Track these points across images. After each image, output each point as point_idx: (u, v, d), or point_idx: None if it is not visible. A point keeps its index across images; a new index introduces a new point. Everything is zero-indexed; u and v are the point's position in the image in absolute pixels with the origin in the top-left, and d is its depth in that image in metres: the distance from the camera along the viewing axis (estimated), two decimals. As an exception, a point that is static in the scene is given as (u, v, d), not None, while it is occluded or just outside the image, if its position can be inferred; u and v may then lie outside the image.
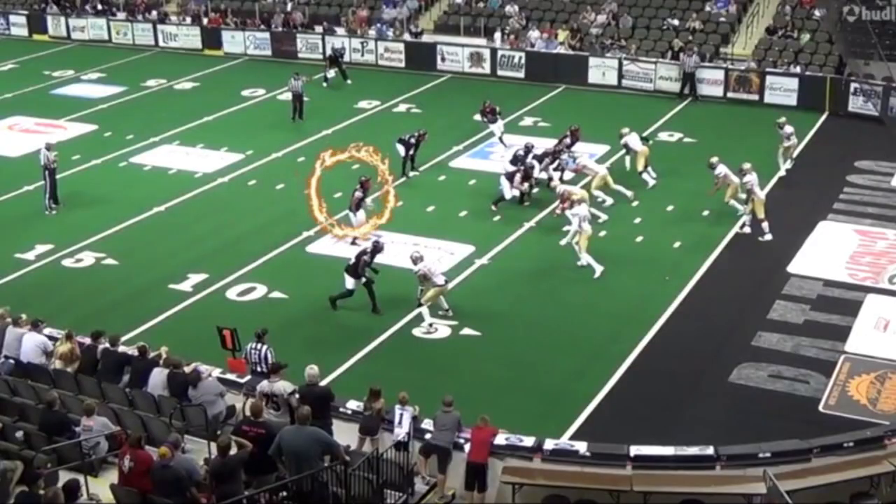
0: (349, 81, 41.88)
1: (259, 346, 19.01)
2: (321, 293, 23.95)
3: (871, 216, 27.96)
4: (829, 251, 25.95)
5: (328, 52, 43.54)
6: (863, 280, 24.42)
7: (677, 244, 25.94)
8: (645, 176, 30.01)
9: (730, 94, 38.61)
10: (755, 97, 38.00)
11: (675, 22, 43.01)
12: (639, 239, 26.30)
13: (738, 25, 43.22)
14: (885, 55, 35.76)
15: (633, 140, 30.76)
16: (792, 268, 24.94)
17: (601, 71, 40.68)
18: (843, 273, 24.74)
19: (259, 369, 18.64)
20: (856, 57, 38.18)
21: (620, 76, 40.22)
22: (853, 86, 36.21)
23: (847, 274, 24.71)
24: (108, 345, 18.72)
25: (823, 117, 36.43)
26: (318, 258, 26.01)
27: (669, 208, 28.01)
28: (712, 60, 40.58)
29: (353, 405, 17.43)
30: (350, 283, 23.06)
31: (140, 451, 14.40)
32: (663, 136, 34.88)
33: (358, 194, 26.89)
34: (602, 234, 26.75)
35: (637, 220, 27.53)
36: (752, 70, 38.81)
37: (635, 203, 28.27)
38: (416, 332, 22.34)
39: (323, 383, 17.82)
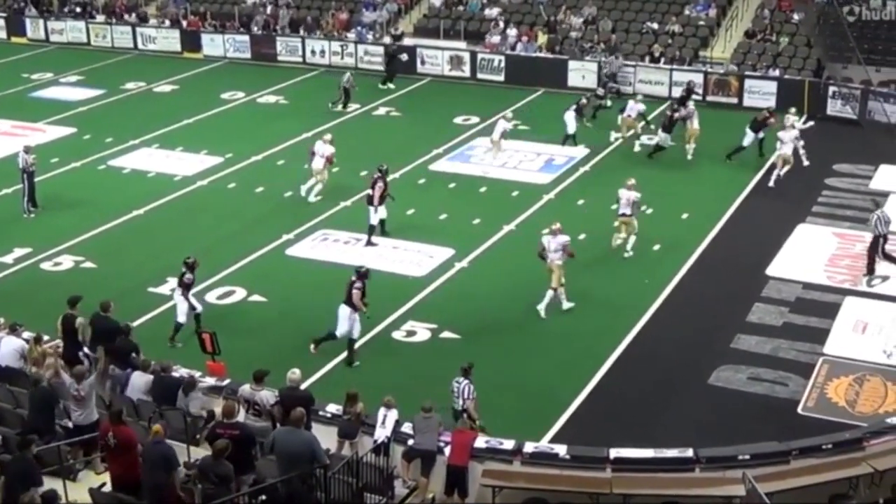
0: (391, 85, 41.57)
1: (460, 379, 18.04)
2: (301, 296, 23.98)
3: (850, 219, 28.07)
4: (807, 254, 26.06)
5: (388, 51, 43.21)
6: (841, 283, 24.53)
7: (656, 246, 26.01)
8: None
9: (709, 98, 38.70)
10: (734, 100, 38.15)
11: (655, 25, 43.11)
12: (617, 242, 26.33)
13: (718, 29, 43.34)
14: (863, 58, 35.93)
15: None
16: (771, 270, 25.04)
17: (581, 74, 40.73)
18: (821, 276, 24.84)
19: (458, 406, 17.86)
20: (834, 60, 38.37)
21: (600, 78, 40.30)
22: (831, 89, 36.38)
23: (826, 276, 24.82)
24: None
25: (802, 120, 36.55)
26: (298, 261, 25.97)
27: (649, 211, 28.04)
28: (691, 64, 40.72)
29: (333, 409, 17.43)
30: (343, 319, 21.24)
31: (122, 426, 14.58)
32: (642, 138, 34.93)
33: (380, 185, 26.68)
34: (582, 236, 26.79)
35: (617, 223, 27.53)
36: (732, 73, 38.96)
37: (614, 206, 28.29)
38: (396, 335, 22.33)
39: (303, 387, 17.79)
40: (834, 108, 36.56)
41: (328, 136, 30.41)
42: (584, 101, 35.17)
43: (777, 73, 38.58)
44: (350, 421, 17.18)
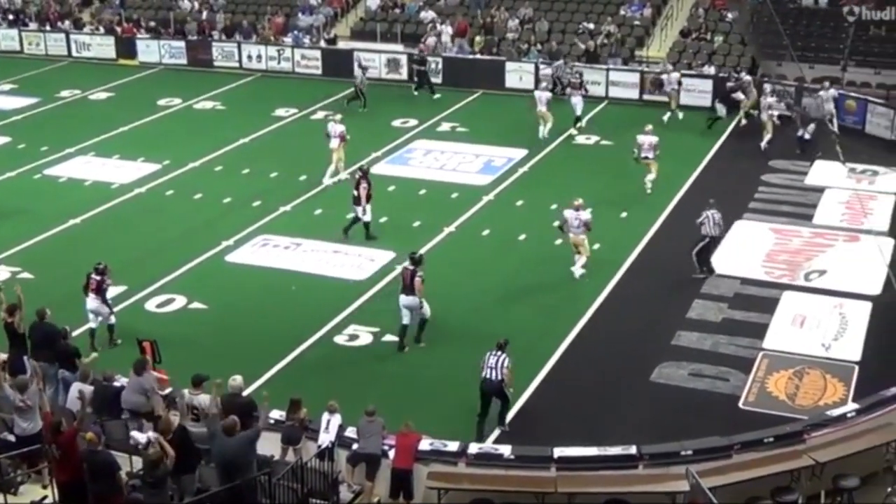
0: (436, 96, 40.61)
1: (498, 353, 18.84)
2: (241, 303, 23.85)
3: (787, 214, 28.39)
4: (745, 250, 26.30)
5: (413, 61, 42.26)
6: (779, 278, 24.77)
7: (596, 245, 26.08)
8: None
9: (645, 97, 39.01)
10: (665, 98, 38.29)
11: (591, 26, 43.33)
12: (558, 242, 26.40)
13: (653, 28, 43.70)
14: (796, 56, 36.33)
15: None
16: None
17: (518, 75, 40.86)
18: (759, 271, 25.08)
19: (492, 375, 18.62)
20: (768, 58, 38.79)
21: (537, 80, 40.42)
22: (766, 86, 36.68)
23: (764, 272, 25.05)
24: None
25: (736, 118, 36.92)
26: (238, 267, 25.79)
27: (588, 210, 28.14)
28: (627, 63, 41.00)
29: (276, 415, 17.31)
30: (409, 309, 21.85)
31: (60, 435, 14.52)
32: (580, 139, 35.14)
33: (364, 185, 26.73)
34: (521, 237, 26.88)
35: (556, 223, 27.61)
36: (667, 72, 39.22)
37: (553, 206, 28.42)
38: (338, 339, 22.25)
39: (245, 393, 17.67)
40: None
41: (338, 116, 31.67)
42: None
43: (712, 71, 38.85)
44: (293, 426, 17.09)
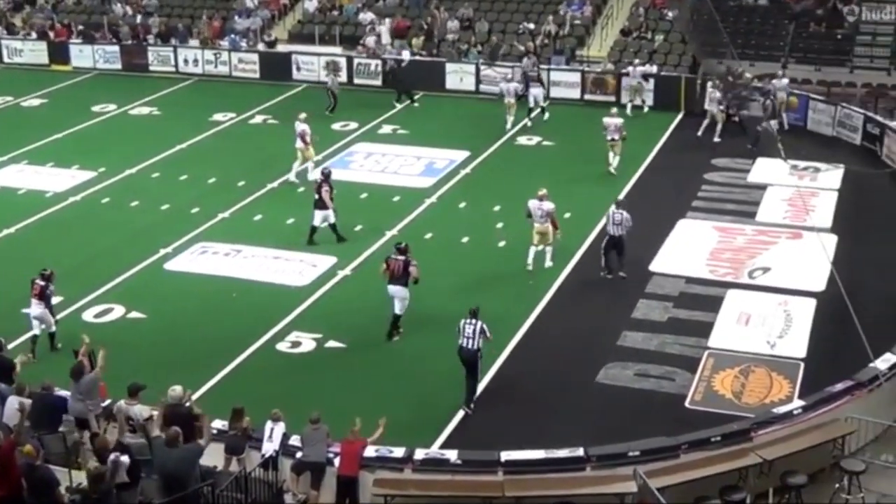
0: (415, 104, 40.04)
1: (473, 321, 19.62)
2: (181, 311, 23.67)
3: (730, 213, 28.65)
4: (689, 248, 26.49)
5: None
6: (723, 276, 24.97)
7: (540, 247, 26.14)
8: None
9: (587, 97, 39.21)
10: (611, 98, 38.49)
11: (531, 25, 43.47)
12: (501, 244, 26.46)
13: (593, 28, 43.90)
14: (736, 53, 36.65)
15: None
16: (654, 266, 25.38)
17: (458, 76, 40.92)
18: (703, 270, 25.26)
19: (469, 345, 19.58)
20: (709, 56, 39.09)
21: (478, 81, 40.52)
22: (708, 85, 36.95)
23: (708, 270, 25.24)
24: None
25: (679, 117, 37.21)
26: (177, 275, 25.58)
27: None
28: (569, 63, 41.15)
29: (218, 424, 17.16)
30: (401, 299, 22.52)
31: None
32: (522, 139, 35.26)
33: (326, 188, 26.73)
34: (464, 239, 26.91)
35: (499, 225, 27.72)
36: (608, 72, 39.47)
37: (497, 208, 28.46)
38: (281, 347, 22.13)
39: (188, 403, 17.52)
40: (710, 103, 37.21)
41: (302, 115, 31.58)
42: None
43: (654, 70, 39.11)
44: (237, 436, 16.98)
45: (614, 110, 32.38)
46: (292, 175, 31.24)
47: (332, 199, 26.72)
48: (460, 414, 19.53)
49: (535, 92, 36.82)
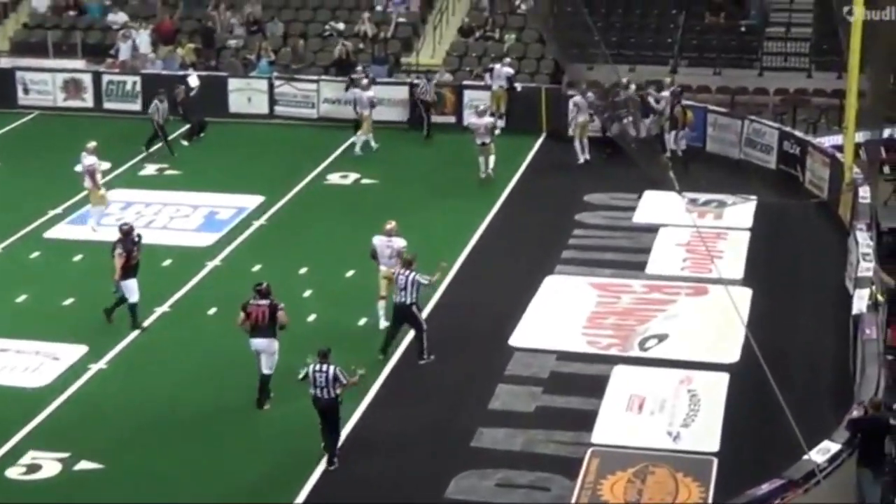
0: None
1: (324, 367, 20.73)
2: None
3: (611, 264, 29.01)
4: (560, 314, 26.70)
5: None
6: (607, 348, 25.19)
7: (362, 321, 26.07)
8: None
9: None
10: (451, 119, 38.78)
11: (341, 26, 43.65)
12: (310, 318, 26.28)
13: (423, 27, 44.24)
14: (611, 56, 37.17)
15: None
16: (515, 340, 25.48)
17: (245, 96, 40.86)
18: (580, 341, 25.46)
19: (325, 395, 20.81)
20: (575, 60, 39.59)
21: (272, 102, 40.46)
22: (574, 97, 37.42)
23: (586, 342, 25.45)
24: None
25: (540, 141, 37.67)
26: None
27: (349, 273, 28.18)
28: (392, 74, 41.33)
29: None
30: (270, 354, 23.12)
31: None
32: (333, 177, 35.30)
33: (120, 251, 26.10)
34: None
35: (306, 294, 27.56)
36: (445, 84, 39.66)
37: (303, 270, 28.38)
38: (11, 473, 21.50)
39: None
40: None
41: (91, 144, 31.87)
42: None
43: (511, 72, 39.26)
44: None
45: (482, 106, 34.21)
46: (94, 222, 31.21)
47: (125, 265, 26.14)
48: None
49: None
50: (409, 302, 23.91)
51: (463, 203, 31.99)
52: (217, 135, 39.15)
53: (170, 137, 38.01)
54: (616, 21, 42.08)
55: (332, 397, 20.82)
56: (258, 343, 22.95)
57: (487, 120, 33.42)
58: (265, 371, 23.08)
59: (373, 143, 37.12)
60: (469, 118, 34.15)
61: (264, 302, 22.88)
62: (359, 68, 39.78)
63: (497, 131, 36.28)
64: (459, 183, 32.79)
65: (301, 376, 21.01)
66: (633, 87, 35.97)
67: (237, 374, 24.15)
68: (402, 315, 24.30)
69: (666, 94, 35.73)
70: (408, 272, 23.73)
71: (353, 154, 36.81)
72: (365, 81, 37.51)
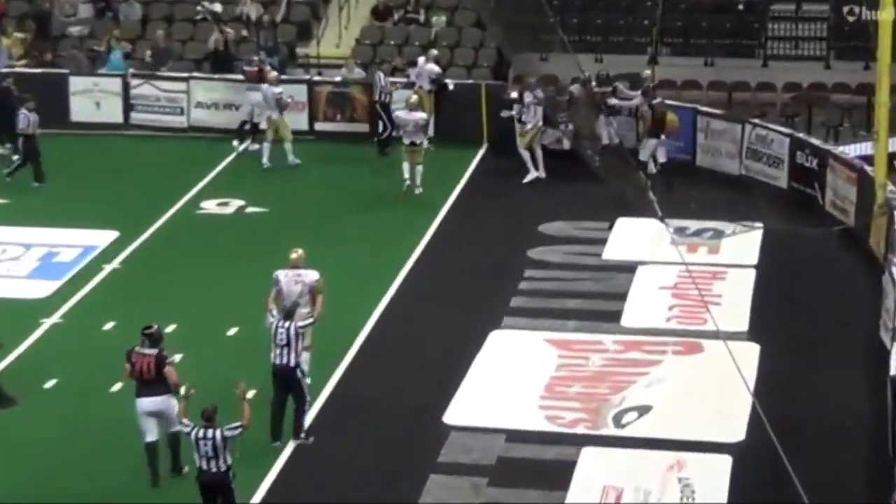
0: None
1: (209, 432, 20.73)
2: None
3: (576, 315, 28.91)
4: (509, 381, 26.56)
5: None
6: (572, 425, 25.04)
7: (251, 394, 25.79)
8: None
9: (318, 126, 39.38)
10: (364, 128, 38.69)
11: (217, 7, 43.61)
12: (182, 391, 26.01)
13: (325, 8, 44.25)
14: (570, 43, 37.13)
15: None
16: (451, 416, 25.31)
17: (92, 100, 40.62)
18: (536, 416, 25.33)
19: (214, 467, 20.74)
20: (524, 49, 39.62)
21: (128, 107, 40.25)
22: (525, 96, 37.42)
23: (544, 417, 25.32)
24: None
25: (481, 153, 37.69)
26: None
27: (231, 331, 27.95)
28: (285, 69, 41.25)
29: None
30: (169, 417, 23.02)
31: None
32: (209, 205, 35.18)
33: None
34: (117, 387, 26.39)
35: (177, 358, 27.29)
36: (356, 81, 39.59)
37: (171, 328, 28.14)
38: None
39: None
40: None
41: None
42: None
43: (436, 69, 39.27)
44: None
45: (414, 98, 34.62)
46: None
47: None
48: None
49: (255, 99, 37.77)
50: (292, 364, 23.68)
51: (381, 235, 31.97)
52: (56, 151, 38.83)
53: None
54: (577, 1, 42.08)
55: (222, 471, 20.55)
56: (147, 404, 22.68)
57: (419, 115, 33.84)
58: (171, 430, 22.81)
59: (291, 157, 37.55)
60: (396, 113, 34.40)
61: (150, 352, 22.67)
62: (255, 59, 39.58)
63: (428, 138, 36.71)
64: (374, 210, 32.65)
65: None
66: (592, 81, 36.10)
67: (87, 470, 23.92)
68: (284, 380, 23.93)
69: (636, 92, 35.77)
70: (288, 324, 23.55)
71: (243, 172, 36.73)
72: (274, 74, 37.54)
